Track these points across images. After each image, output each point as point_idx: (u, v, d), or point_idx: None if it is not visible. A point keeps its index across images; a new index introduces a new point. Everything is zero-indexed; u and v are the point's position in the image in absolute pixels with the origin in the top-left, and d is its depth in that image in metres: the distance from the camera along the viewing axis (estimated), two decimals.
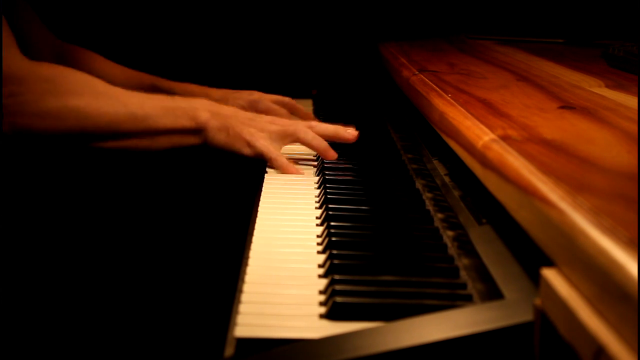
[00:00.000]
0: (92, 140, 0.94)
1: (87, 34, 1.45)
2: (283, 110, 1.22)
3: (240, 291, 0.62)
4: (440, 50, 1.42)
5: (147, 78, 1.27)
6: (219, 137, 0.97)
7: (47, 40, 1.25)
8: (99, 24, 1.61)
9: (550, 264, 0.49)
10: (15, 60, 0.90)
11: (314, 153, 1.05)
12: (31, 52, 1.19)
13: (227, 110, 1.00)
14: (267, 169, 0.98)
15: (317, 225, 0.79)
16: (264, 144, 0.97)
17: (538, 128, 0.72)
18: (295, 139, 1.01)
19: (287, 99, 1.25)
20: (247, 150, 0.97)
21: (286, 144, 1.02)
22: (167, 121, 0.94)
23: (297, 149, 1.05)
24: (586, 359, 0.42)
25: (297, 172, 0.97)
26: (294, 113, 1.25)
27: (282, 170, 0.97)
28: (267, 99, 1.23)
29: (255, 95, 1.23)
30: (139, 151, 0.96)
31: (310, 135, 1.00)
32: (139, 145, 0.95)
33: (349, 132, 1.02)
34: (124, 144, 0.94)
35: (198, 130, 0.96)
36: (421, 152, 1.04)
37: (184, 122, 0.95)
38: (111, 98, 0.94)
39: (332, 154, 1.00)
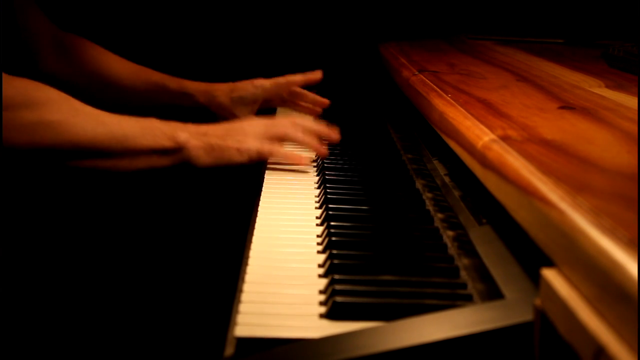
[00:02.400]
0: (70, 159, 0.91)
1: (87, 27, 1.44)
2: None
3: (241, 291, 0.62)
4: (440, 51, 1.42)
5: (156, 75, 1.25)
6: (205, 157, 0.95)
7: (46, 29, 1.24)
8: (100, 19, 1.61)
9: (550, 264, 0.49)
10: None
11: (315, 153, 1.05)
12: (26, 39, 1.19)
13: (204, 128, 0.97)
14: (267, 169, 0.98)
15: (317, 225, 0.79)
16: (255, 144, 0.96)
17: (538, 128, 0.72)
18: (284, 138, 1.00)
19: (282, 80, 1.27)
20: (239, 158, 0.95)
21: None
22: (146, 141, 0.93)
23: (297, 148, 1.05)
24: (586, 359, 0.42)
25: (301, 161, 0.98)
26: (294, 97, 1.29)
27: (285, 159, 0.97)
28: (268, 83, 1.26)
29: (258, 81, 1.25)
30: (117, 171, 0.94)
31: (300, 135, 1.00)
32: (118, 165, 0.93)
33: (333, 134, 1.05)
34: (102, 163, 0.92)
35: (177, 150, 0.94)
36: (421, 152, 1.04)
37: (164, 142, 0.93)
38: (89, 116, 0.91)
39: (333, 138, 1.04)
